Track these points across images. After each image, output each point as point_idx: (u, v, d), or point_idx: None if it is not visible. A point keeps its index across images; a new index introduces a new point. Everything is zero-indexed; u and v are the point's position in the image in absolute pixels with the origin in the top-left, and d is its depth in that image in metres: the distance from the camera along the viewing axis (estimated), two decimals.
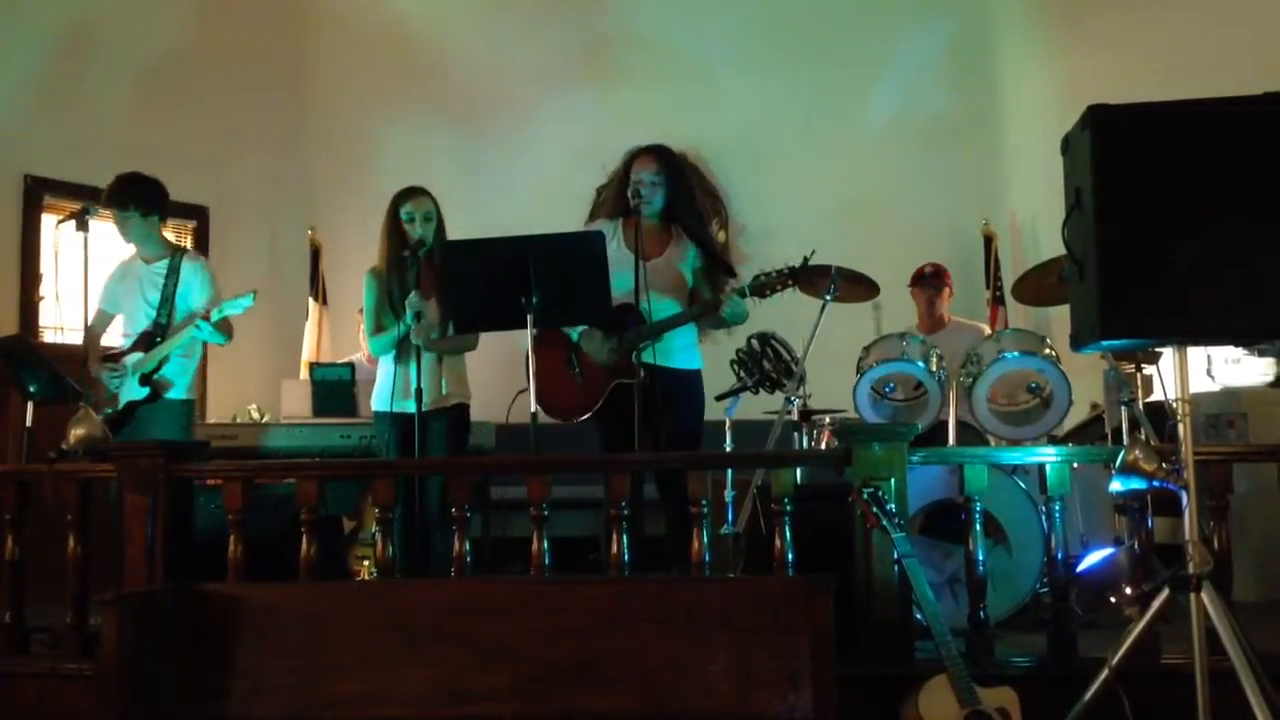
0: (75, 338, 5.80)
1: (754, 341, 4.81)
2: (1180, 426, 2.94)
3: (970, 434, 4.61)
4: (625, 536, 3.66)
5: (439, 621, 3.26)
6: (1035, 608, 4.20)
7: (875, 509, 3.37)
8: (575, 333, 4.44)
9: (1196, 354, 5.31)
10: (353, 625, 3.29)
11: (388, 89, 7.83)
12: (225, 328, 4.75)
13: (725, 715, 3.07)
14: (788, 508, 3.60)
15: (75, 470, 3.96)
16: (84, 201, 4.76)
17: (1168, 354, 3.43)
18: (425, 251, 4.43)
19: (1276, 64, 5.72)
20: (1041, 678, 3.45)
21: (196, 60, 7.15)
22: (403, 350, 4.47)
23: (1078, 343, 2.99)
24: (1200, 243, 2.73)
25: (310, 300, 7.54)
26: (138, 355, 4.74)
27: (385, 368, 4.61)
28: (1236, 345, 5.13)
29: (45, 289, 6.22)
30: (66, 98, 6.62)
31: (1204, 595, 2.84)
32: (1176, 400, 2.95)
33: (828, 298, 4.74)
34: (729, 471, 4.79)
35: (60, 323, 6.33)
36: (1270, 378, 5.63)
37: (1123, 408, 4.46)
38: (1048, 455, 3.76)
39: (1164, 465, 2.96)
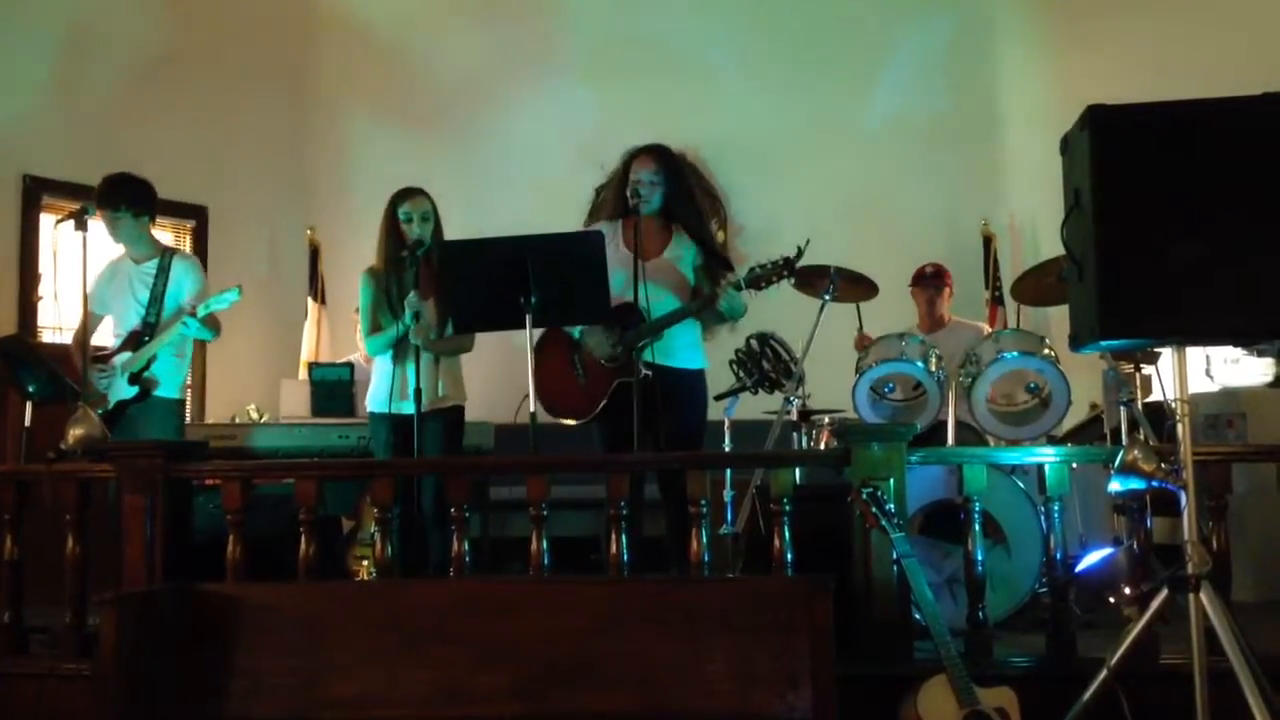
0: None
1: (753, 341, 4.81)
2: (1179, 426, 2.94)
3: (969, 434, 4.60)
4: (625, 537, 3.66)
5: (438, 622, 3.26)
6: (1034, 608, 4.19)
7: (874, 509, 3.37)
8: (577, 331, 4.43)
9: (1195, 354, 5.30)
10: (352, 625, 3.29)
11: (387, 89, 7.83)
12: (213, 323, 4.75)
13: (725, 715, 3.06)
14: (787, 508, 3.60)
15: (74, 470, 3.96)
16: (83, 201, 4.73)
17: (1166, 354, 3.44)
18: (423, 251, 4.43)
19: (1275, 64, 5.71)
20: (1040, 678, 3.44)
21: (196, 60, 7.14)
22: (401, 350, 4.46)
23: (1077, 343, 2.98)
24: (1199, 243, 2.73)
25: (309, 300, 7.54)
26: (126, 355, 4.74)
27: (382, 368, 4.60)
28: (1235, 345, 5.12)
29: (44, 289, 6.20)
30: (66, 98, 6.63)
31: (1203, 595, 2.84)
32: (1175, 400, 2.95)
33: (827, 298, 4.75)
34: (728, 471, 4.79)
35: (59, 322, 6.31)
36: (1269, 378, 5.63)
37: (1122, 408, 4.46)
38: (1047, 455, 3.76)
39: (1163, 465, 2.96)
